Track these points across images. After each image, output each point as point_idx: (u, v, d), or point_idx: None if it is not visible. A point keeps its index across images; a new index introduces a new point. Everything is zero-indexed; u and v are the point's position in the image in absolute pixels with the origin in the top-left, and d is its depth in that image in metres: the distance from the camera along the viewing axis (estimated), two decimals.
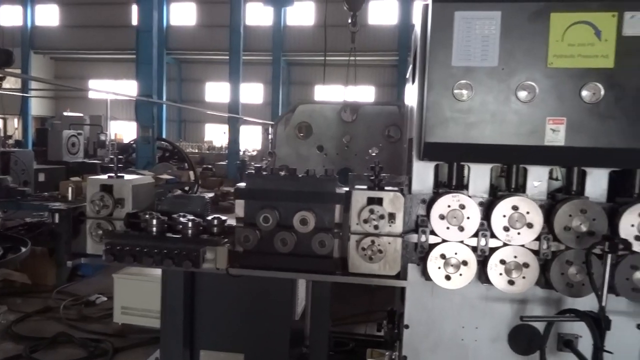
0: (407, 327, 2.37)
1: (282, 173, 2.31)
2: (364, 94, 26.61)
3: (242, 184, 2.35)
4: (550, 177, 2.32)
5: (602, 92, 2.01)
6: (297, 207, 2.26)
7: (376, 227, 2.23)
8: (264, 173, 2.33)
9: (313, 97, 28.04)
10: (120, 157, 2.68)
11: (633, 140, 2.02)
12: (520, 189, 2.23)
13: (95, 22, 29.18)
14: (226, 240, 2.31)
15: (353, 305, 5.67)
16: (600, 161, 2.14)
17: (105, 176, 2.61)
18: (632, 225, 2.05)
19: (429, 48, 2.11)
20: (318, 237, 2.24)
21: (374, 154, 2.41)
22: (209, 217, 2.42)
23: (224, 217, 2.41)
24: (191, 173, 9.77)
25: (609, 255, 1.97)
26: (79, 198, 2.36)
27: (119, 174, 2.58)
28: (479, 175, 2.25)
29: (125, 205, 2.51)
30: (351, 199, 2.27)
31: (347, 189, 2.34)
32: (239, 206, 2.33)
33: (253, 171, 2.34)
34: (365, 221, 2.23)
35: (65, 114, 16.95)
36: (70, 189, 6.81)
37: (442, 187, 2.29)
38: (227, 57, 18.39)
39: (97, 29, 29.10)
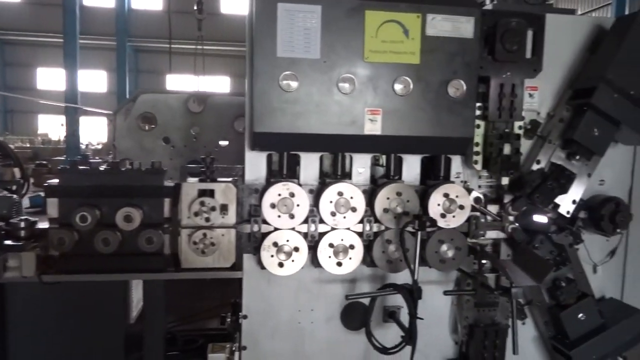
0: (245, 317, 2.37)
1: (102, 167, 2.12)
2: (219, 84, 26.01)
3: (55, 181, 2.11)
4: (377, 164, 2.51)
5: (412, 85, 2.21)
6: (121, 204, 2.10)
7: (208, 219, 2.18)
8: (81, 168, 2.11)
9: (164, 86, 26.52)
10: None
11: (438, 129, 2.26)
12: (347, 176, 2.37)
13: None
14: (36, 244, 2.06)
15: (209, 300, 5.54)
16: (413, 148, 2.37)
17: None
18: (439, 205, 2.31)
19: (254, 38, 2.11)
20: (145, 234, 2.11)
21: (223, 146, 2.34)
22: (15, 220, 2.13)
23: (33, 219, 2.14)
24: (16, 170, 8.53)
25: (419, 232, 2.20)
26: None
27: None
28: (309, 164, 2.34)
29: None
30: (181, 192, 2.18)
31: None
32: (52, 205, 2.09)
33: (67, 166, 2.10)
34: (197, 214, 2.17)
35: None
36: None
37: (275, 176, 2.33)
38: (62, 40, 16.41)
39: None
